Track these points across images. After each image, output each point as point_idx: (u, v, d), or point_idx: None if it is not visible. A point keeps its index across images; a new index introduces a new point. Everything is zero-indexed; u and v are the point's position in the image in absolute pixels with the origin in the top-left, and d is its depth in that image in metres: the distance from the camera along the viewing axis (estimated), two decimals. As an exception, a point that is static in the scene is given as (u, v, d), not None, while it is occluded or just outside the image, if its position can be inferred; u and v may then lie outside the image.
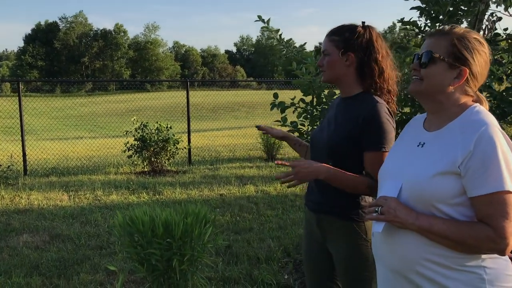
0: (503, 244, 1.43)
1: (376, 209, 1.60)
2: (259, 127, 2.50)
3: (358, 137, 2.01)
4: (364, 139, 2.00)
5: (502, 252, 1.45)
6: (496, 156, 1.43)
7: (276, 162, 2.03)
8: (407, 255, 1.57)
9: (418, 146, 1.65)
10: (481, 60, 1.57)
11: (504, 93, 3.54)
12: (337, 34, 2.11)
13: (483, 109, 1.58)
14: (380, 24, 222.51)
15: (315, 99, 3.83)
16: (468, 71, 1.56)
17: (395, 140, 1.88)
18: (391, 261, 1.64)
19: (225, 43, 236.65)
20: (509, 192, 1.42)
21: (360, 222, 2.08)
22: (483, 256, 1.50)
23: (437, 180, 1.50)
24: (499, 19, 3.83)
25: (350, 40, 2.07)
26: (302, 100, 3.83)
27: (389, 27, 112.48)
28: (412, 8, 3.80)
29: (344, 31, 2.10)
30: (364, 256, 2.08)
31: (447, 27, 1.62)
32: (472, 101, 1.62)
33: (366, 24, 2.13)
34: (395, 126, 2.04)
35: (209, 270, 4.12)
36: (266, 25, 3.82)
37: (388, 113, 2.02)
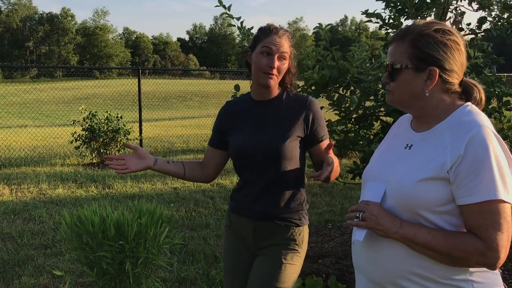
0: (493, 257, 1.31)
1: (357, 215, 1.45)
2: (127, 145, 2.15)
3: (307, 134, 2.04)
4: (315, 132, 2.05)
5: (492, 266, 1.34)
6: (489, 161, 1.30)
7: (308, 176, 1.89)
8: (389, 266, 1.44)
9: (405, 148, 1.51)
10: (450, 50, 1.41)
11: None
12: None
13: (475, 108, 1.45)
14: (331, 17, 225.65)
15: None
16: (437, 69, 1.41)
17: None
18: (371, 272, 1.51)
19: (178, 31, 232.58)
20: (502, 201, 1.30)
21: (300, 226, 2.06)
22: (471, 269, 1.38)
23: (423, 186, 1.37)
24: (463, 13, 3.79)
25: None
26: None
27: (340, 20, 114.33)
28: (378, 0, 3.69)
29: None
30: (292, 267, 2.02)
31: (404, 28, 1.49)
32: (460, 94, 1.48)
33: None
34: None
35: (163, 271, 3.90)
36: (227, 11, 3.62)
37: None
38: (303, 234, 2.08)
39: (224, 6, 3.52)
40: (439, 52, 1.40)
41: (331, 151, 1.98)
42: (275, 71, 1.96)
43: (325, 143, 2.05)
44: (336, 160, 1.93)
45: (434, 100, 1.45)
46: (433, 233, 1.36)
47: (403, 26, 1.59)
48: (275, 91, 2.07)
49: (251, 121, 2.08)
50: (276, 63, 1.96)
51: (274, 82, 2.00)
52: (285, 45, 1.98)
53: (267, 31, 1.98)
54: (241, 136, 2.07)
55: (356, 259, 1.59)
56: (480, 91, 1.51)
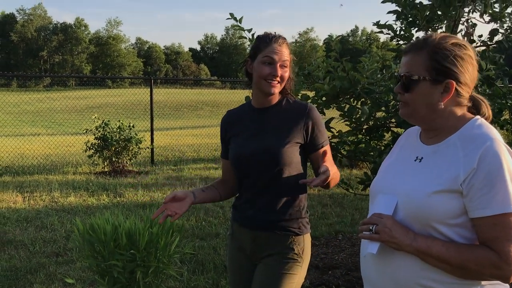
0: (508, 270, 1.31)
1: (370, 228, 1.45)
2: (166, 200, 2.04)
3: (307, 141, 2.05)
4: (315, 139, 2.06)
5: (506, 280, 1.34)
6: (502, 174, 1.31)
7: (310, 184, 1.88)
8: (400, 279, 1.44)
9: (415, 160, 1.51)
10: (466, 64, 1.43)
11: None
12: None
13: (485, 122, 1.46)
14: (342, 27, 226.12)
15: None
16: (454, 82, 1.42)
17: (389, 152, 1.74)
18: (381, 285, 1.50)
19: (189, 41, 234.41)
20: None
21: (300, 235, 2.04)
22: (483, 282, 1.38)
23: (435, 198, 1.37)
24: (474, 25, 3.79)
25: None
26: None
27: (351, 30, 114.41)
28: (389, 12, 3.71)
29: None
30: (292, 277, 2.00)
31: (421, 40, 1.48)
32: (469, 107, 1.49)
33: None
34: None
35: (173, 281, 3.91)
36: (238, 24, 3.66)
37: None
38: (304, 243, 2.05)
39: (235, 19, 3.56)
40: (456, 65, 1.41)
41: (327, 159, 2.00)
42: (278, 79, 1.99)
43: (325, 149, 2.06)
44: (333, 168, 1.94)
45: (447, 113, 1.46)
46: (447, 246, 1.36)
47: (417, 38, 1.58)
48: (276, 98, 2.09)
49: (250, 128, 2.09)
50: (279, 72, 1.98)
51: (277, 89, 2.02)
52: (286, 52, 2.00)
53: (267, 40, 2.01)
54: (240, 143, 2.09)
55: (366, 272, 1.58)
56: (487, 107, 1.52)
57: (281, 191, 2.02)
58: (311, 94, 3.70)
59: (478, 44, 3.82)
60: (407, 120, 1.53)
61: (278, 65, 1.98)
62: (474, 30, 3.66)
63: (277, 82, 1.99)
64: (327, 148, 2.07)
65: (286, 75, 2.02)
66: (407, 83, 1.45)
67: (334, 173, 1.94)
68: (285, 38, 2.04)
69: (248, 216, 2.08)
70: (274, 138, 2.01)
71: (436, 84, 1.42)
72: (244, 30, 3.67)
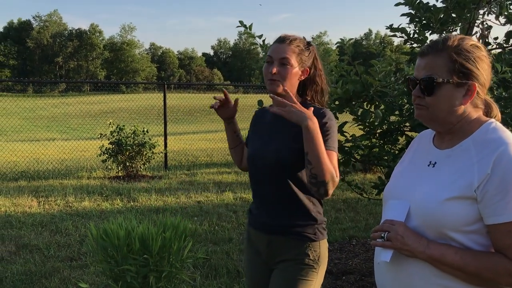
0: None
1: (382, 235, 1.42)
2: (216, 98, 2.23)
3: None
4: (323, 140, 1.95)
5: None
6: None
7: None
8: (414, 287, 1.41)
9: (428, 165, 1.48)
10: (484, 66, 1.41)
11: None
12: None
13: (500, 126, 1.42)
14: (354, 30, 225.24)
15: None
16: (476, 84, 1.39)
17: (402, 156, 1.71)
18: None
19: (203, 46, 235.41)
20: None
21: (315, 241, 1.99)
22: None
23: (449, 205, 1.34)
24: (490, 27, 3.75)
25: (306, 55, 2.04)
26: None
27: (365, 34, 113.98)
28: (402, 15, 3.68)
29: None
30: (307, 283, 1.96)
31: (439, 41, 1.44)
32: (483, 110, 1.47)
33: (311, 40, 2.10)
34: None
35: (186, 286, 3.91)
36: (248, 30, 3.66)
37: None
38: (320, 249, 2.00)
39: (245, 26, 3.55)
40: (477, 67, 1.39)
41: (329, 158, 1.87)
42: (276, 76, 1.94)
43: (331, 153, 1.90)
44: (327, 162, 1.81)
45: (465, 116, 1.42)
46: (461, 253, 1.32)
47: (432, 40, 1.53)
48: None
49: (264, 130, 2.09)
50: (275, 69, 1.94)
51: (279, 88, 1.96)
52: (287, 50, 1.96)
53: (274, 42, 2.03)
54: (254, 146, 2.09)
55: (380, 279, 1.55)
56: (497, 110, 1.50)
57: (295, 195, 1.98)
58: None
59: (493, 47, 3.77)
60: (425, 124, 1.49)
61: (276, 62, 1.96)
62: (489, 32, 3.62)
63: (275, 79, 1.95)
64: (332, 154, 1.90)
65: (287, 72, 1.95)
66: (429, 86, 1.40)
67: (326, 166, 1.79)
68: (296, 38, 2.01)
69: (263, 221, 2.06)
70: (285, 142, 1.98)
71: (459, 86, 1.39)
72: (254, 37, 3.66)
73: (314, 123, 1.79)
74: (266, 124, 2.11)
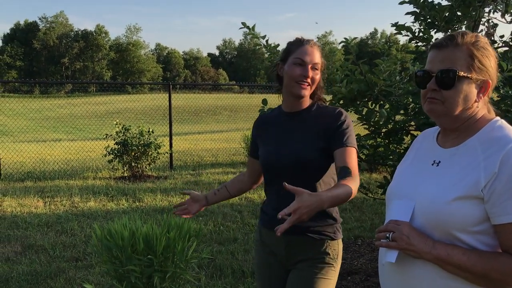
0: None
1: (387, 235, 1.39)
2: (184, 193, 2.40)
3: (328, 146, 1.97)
4: (340, 136, 1.95)
5: None
6: None
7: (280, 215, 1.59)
8: None
9: (432, 164, 1.45)
10: (495, 64, 1.40)
11: (499, 103, 3.42)
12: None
13: (506, 123, 1.39)
14: (359, 29, 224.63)
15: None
16: (491, 82, 1.38)
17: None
18: None
19: (208, 46, 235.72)
20: None
21: (335, 240, 2.02)
22: None
23: (455, 205, 1.31)
24: (495, 25, 3.71)
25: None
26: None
27: (370, 33, 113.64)
28: (407, 13, 3.66)
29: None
30: (327, 281, 1.97)
31: (458, 35, 1.40)
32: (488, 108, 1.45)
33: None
34: None
35: (191, 286, 3.90)
36: (252, 31, 3.65)
37: None
38: (338, 248, 2.03)
39: (248, 27, 3.55)
40: (491, 64, 1.38)
41: (348, 160, 1.87)
42: (309, 80, 1.95)
43: (346, 150, 1.90)
44: (334, 192, 1.70)
45: (476, 113, 1.41)
46: (468, 254, 1.30)
47: (449, 33, 1.50)
48: (306, 102, 2.05)
49: (280, 132, 2.06)
50: (310, 73, 1.94)
51: (308, 92, 1.98)
52: (317, 55, 1.97)
53: (298, 43, 1.98)
54: (269, 148, 2.07)
55: (385, 280, 1.53)
56: (492, 111, 1.48)
57: None
58: (328, 97, 3.66)
59: (499, 45, 3.74)
60: (435, 119, 1.44)
61: (309, 66, 1.94)
62: (495, 30, 3.59)
63: (307, 84, 1.95)
64: (350, 150, 1.91)
65: (317, 77, 1.98)
66: (449, 79, 1.36)
67: (332, 195, 1.67)
68: (316, 42, 2.01)
69: (281, 221, 2.01)
70: (303, 142, 1.98)
71: (476, 82, 1.38)
72: (258, 38, 3.65)
73: (324, 201, 1.63)
74: (280, 127, 2.08)
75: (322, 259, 1.98)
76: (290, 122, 2.05)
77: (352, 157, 1.90)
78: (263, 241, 2.14)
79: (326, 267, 1.98)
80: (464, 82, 1.37)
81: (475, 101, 1.39)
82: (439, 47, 1.41)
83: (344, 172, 1.84)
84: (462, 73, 1.35)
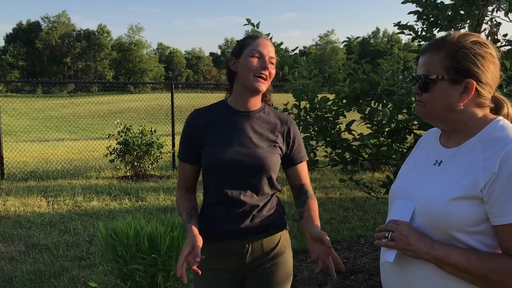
0: None
1: (386, 235, 1.40)
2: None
3: (287, 153, 2.00)
4: (296, 152, 2.01)
5: None
6: None
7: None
8: None
9: (434, 164, 1.45)
10: (487, 63, 1.36)
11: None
12: None
13: (508, 124, 1.38)
14: (361, 28, 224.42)
15: (307, 105, 3.67)
16: (474, 82, 1.35)
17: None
18: None
19: (210, 45, 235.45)
20: None
21: (287, 229, 2.06)
22: None
23: (455, 205, 1.30)
24: (499, 24, 3.71)
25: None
26: (295, 105, 3.66)
27: (372, 32, 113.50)
28: (410, 13, 3.66)
29: None
30: (291, 271, 2.02)
31: (439, 38, 1.42)
32: (491, 108, 1.43)
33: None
34: None
35: (195, 284, 3.91)
36: (256, 28, 3.65)
37: None
38: (287, 234, 2.06)
39: (252, 24, 3.55)
40: (476, 65, 1.35)
41: (305, 177, 2.02)
42: (267, 73, 1.86)
43: (303, 165, 2.02)
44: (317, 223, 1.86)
45: (467, 114, 1.39)
46: (467, 254, 1.29)
47: (436, 37, 1.52)
48: (258, 102, 1.96)
49: (231, 131, 1.91)
50: (268, 65, 1.87)
51: (265, 87, 1.89)
52: (273, 50, 1.92)
53: (254, 37, 1.92)
54: (221, 149, 1.88)
55: (385, 280, 1.53)
56: (509, 107, 1.45)
57: (265, 195, 1.94)
58: (331, 96, 3.67)
59: (503, 44, 3.74)
60: (424, 120, 1.48)
61: (266, 58, 1.86)
62: (498, 29, 3.58)
63: (265, 77, 1.86)
64: (305, 164, 2.03)
65: (273, 72, 1.90)
66: (425, 83, 1.40)
67: (314, 208, 1.92)
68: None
69: (237, 228, 1.90)
70: (263, 146, 1.90)
71: (455, 84, 1.36)
72: (262, 36, 3.65)
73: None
74: (230, 126, 1.92)
75: (282, 252, 1.98)
76: (242, 121, 1.92)
77: (306, 171, 2.04)
78: (212, 258, 1.90)
79: (286, 258, 2.00)
80: (439, 84, 1.38)
81: (458, 102, 1.37)
82: (422, 52, 1.45)
83: (305, 193, 1.97)
84: (434, 76, 1.38)
